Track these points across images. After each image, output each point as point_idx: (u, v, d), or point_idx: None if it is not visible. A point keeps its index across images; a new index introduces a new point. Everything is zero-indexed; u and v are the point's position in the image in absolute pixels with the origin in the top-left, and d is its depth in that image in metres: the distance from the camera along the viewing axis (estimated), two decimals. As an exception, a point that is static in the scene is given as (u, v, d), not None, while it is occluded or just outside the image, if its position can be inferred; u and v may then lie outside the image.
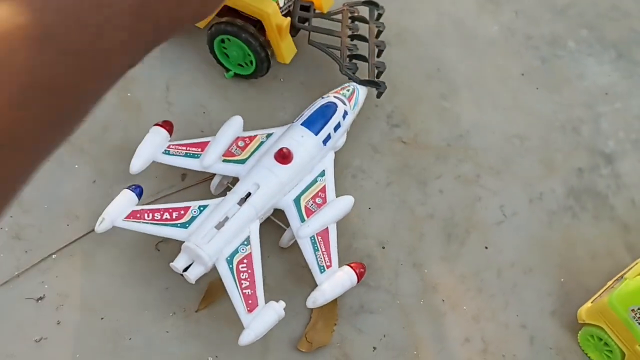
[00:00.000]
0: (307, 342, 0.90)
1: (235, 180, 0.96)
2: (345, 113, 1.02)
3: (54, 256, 0.92)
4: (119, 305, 0.90)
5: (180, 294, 0.92)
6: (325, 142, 0.98)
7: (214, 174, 0.99)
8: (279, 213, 0.95)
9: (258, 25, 1.04)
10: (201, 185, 1.02)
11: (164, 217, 0.90)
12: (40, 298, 0.88)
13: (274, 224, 0.96)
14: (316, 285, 0.89)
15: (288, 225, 0.94)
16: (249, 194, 0.91)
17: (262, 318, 0.83)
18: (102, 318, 0.88)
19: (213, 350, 0.88)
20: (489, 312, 0.97)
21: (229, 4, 1.04)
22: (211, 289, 0.93)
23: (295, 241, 0.92)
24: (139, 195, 0.91)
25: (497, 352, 0.94)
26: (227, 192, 0.92)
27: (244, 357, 0.87)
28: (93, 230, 0.94)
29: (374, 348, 0.92)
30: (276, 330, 0.86)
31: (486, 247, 1.03)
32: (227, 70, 1.15)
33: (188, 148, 0.98)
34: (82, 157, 1.03)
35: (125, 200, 0.90)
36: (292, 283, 0.93)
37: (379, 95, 1.10)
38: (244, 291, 0.85)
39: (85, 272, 0.91)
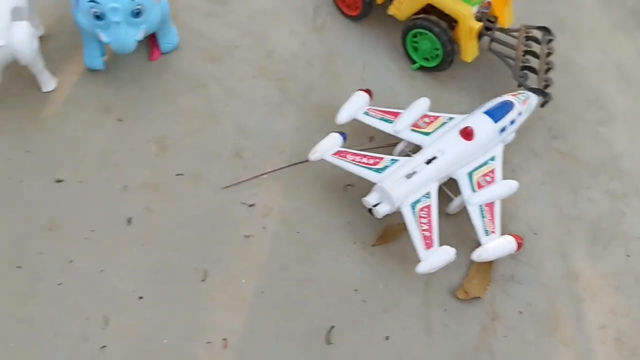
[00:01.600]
0: (464, 292, 1.04)
1: (416, 149, 1.13)
2: (520, 113, 1.17)
3: (265, 176, 1.11)
4: (311, 225, 1.07)
5: (360, 229, 1.08)
6: (501, 131, 1.13)
7: (399, 141, 1.16)
8: (448, 184, 1.10)
9: (448, 25, 1.23)
10: (385, 149, 1.19)
11: (363, 160, 1.07)
12: (252, 205, 1.07)
13: (443, 194, 1.10)
14: (478, 246, 1.03)
15: (456, 195, 1.09)
16: (434, 157, 1.07)
17: (437, 255, 0.98)
18: (297, 232, 1.05)
19: (383, 278, 1.03)
20: (626, 308, 1.07)
21: (432, 2, 1.23)
22: (387, 231, 1.09)
23: (460, 210, 1.07)
24: (344, 139, 1.10)
25: (629, 344, 1.04)
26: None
27: (407, 290, 1.02)
28: (296, 163, 1.13)
29: (520, 312, 1.04)
30: (437, 275, 1.00)
31: (628, 256, 1.14)
32: (414, 62, 1.33)
33: (384, 113, 1.17)
34: (292, 107, 1.23)
35: (334, 141, 1.09)
36: (455, 243, 1.07)
37: (543, 105, 1.24)
38: (424, 232, 1.01)
39: (287, 193, 1.10)
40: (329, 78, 1.30)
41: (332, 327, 0.97)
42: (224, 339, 0.93)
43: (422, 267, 0.98)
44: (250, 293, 0.98)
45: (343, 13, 1.41)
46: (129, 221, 1.02)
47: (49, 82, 1.10)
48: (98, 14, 1.02)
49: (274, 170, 1.13)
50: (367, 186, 1.06)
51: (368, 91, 1.19)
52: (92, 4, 1.00)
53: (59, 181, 1.05)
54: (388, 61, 1.35)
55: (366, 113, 1.17)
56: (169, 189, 1.07)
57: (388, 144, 1.21)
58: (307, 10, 1.40)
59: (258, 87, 1.25)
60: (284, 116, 1.21)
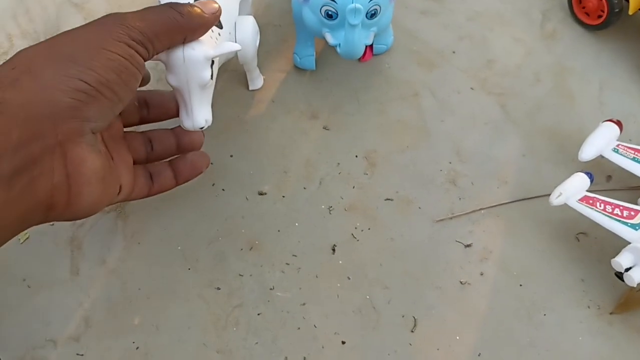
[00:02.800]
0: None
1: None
2: None
3: (482, 211, 0.95)
4: (536, 278, 0.90)
5: (595, 289, 0.90)
6: None
7: (643, 185, 0.95)
8: None
9: None
10: (626, 192, 0.99)
11: (615, 211, 0.88)
12: (468, 245, 0.92)
13: None
14: None
15: None
16: None
17: None
18: (520, 285, 0.89)
19: (624, 356, 0.85)
20: None
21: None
22: (631, 297, 0.90)
23: None
24: (591, 182, 0.91)
25: None
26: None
27: (655, 377, 0.83)
28: (521, 199, 0.96)
29: None
30: None
31: None
32: (663, 86, 1.10)
33: (636, 153, 0.96)
34: (516, 129, 1.05)
35: (581, 183, 0.90)
36: None
37: None
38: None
39: (508, 236, 0.93)
40: (559, 97, 1.10)
41: (561, 409, 0.81)
42: (435, 406, 0.80)
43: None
44: (465, 354, 0.84)
45: (579, 20, 1.19)
46: (334, 249, 0.91)
47: (257, 80, 1.00)
48: (331, 12, 0.89)
49: (496, 206, 0.96)
50: (604, 236, 0.89)
51: (619, 123, 0.99)
52: (327, 0, 0.87)
53: (261, 194, 0.95)
54: (629, 83, 1.13)
55: (615, 150, 0.97)
56: (377, 216, 0.95)
57: (631, 186, 1.01)
58: (535, 14, 1.21)
59: (477, 102, 1.09)
60: (507, 139, 1.04)
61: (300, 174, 0.96)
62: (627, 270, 0.83)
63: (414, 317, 0.85)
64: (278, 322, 0.83)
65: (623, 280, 0.82)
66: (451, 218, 0.94)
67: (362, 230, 0.91)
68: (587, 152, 0.93)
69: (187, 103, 0.75)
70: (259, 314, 0.84)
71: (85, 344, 0.80)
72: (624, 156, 0.93)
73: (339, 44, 0.90)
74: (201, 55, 0.71)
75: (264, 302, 0.84)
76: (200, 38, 0.74)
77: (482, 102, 1.07)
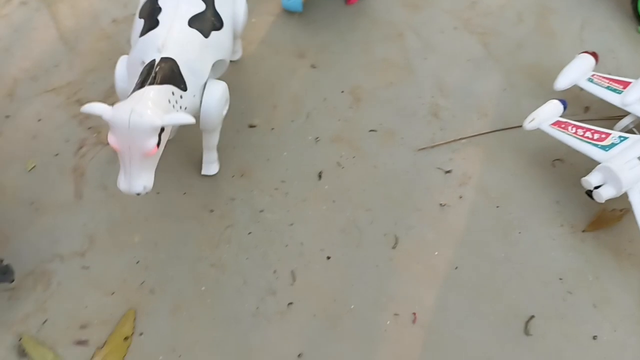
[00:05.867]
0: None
1: (641, 126, 0.96)
2: None
3: (463, 141, 1.00)
4: (513, 200, 0.95)
5: (569, 210, 0.95)
6: None
7: (621, 115, 0.99)
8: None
9: None
10: (602, 122, 1.03)
11: (586, 135, 0.93)
12: (448, 172, 0.97)
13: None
14: None
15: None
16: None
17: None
18: (497, 207, 0.94)
19: (593, 270, 0.90)
20: None
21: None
22: (602, 217, 0.95)
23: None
24: (564, 108, 0.96)
25: None
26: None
27: (621, 287, 0.88)
28: (503, 129, 1.01)
29: None
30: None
31: None
32: (642, 24, 1.14)
33: (610, 82, 1.00)
34: (497, 65, 1.10)
35: (554, 109, 0.95)
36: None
37: None
38: (655, 224, 0.85)
39: (486, 163, 0.98)
40: (541, 36, 1.15)
41: (532, 316, 0.87)
42: (414, 313, 0.86)
43: (652, 266, 0.84)
44: (443, 267, 0.90)
45: (561, -39, 1.23)
46: (320, 175, 0.97)
47: (212, 165, 0.96)
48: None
49: (476, 135, 1.02)
50: (579, 162, 0.93)
51: (594, 55, 1.03)
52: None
53: (252, 126, 1.01)
54: (609, 20, 1.17)
55: (590, 80, 1.02)
56: (362, 145, 1.00)
57: (607, 116, 1.05)
58: (518, -44, 1.24)
59: (460, 40, 1.14)
60: (488, 75, 1.09)
61: (288, 108, 1.01)
62: (597, 188, 0.88)
63: (395, 236, 0.90)
64: (267, 240, 0.90)
65: (592, 198, 0.87)
66: (432, 147, 0.99)
67: (347, 159, 0.97)
68: (562, 81, 0.98)
69: (126, 167, 0.72)
70: (249, 233, 0.90)
71: (90, 259, 0.87)
72: (599, 85, 0.98)
73: None
74: (148, 124, 0.69)
75: (254, 222, 0.90)
76: (154, 102, 0.71)
77: (464, 40, 1.12)
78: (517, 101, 1.03)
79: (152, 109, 0.70)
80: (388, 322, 0.86)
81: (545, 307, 0.88)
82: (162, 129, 0.72)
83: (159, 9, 0.83)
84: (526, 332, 0.86)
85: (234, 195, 0.96)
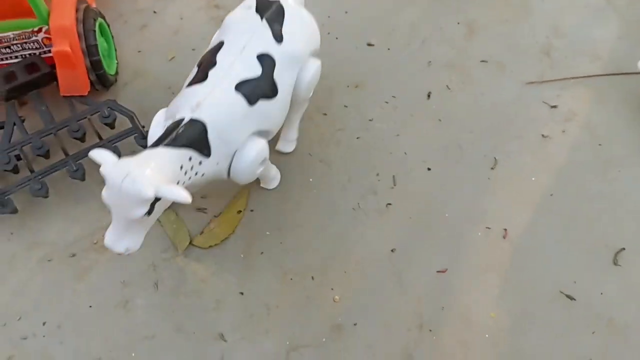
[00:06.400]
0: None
1: None
2: None
3: (572, 80, 1.02)
4: (617, 140, 0.97)
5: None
6: None
7: None
8: None
9: None
10: None
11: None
12: (554, 106, 1.00)
13: None
14: None
15: None
16: None
17: None
18: (599, 144, 0.97)
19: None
20: None
21: None
22: None
23: None
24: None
25: None
26: None
27: None
28: (616, 73, 1.02)
29: None
30: None
31: None
32: None
33: None
34: (616, 15, 1.11)
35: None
36: None
37: None
38: None
39: (596, 102, 1.00)
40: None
41: (623, 249, 0.89)
42: (505, 229, 0.90)
43: None
44: (538, 192, 0.94)
45: None
46: (429, 95, 1.02)
47: None
48: None
49: (587, 77, 1.04)
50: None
51: None
52: None
53: (370, 45, 1.08)
54: None
55: None
56: (472, 73, 1.05)
57: None
58: None
59: (581, -13, 1.15)
60: (606, 23, 1.10)
61: (405, 33, 1.07)
62: None
63: (494, 158, 0.95)
64: (373, 146, 0.96)
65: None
66: (541, 82, 1.02)
67: (456, 84, 1.02)
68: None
69: (114, 224, 0.69)
70: (357, 138, 0.97)
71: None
72: None
73: None
74: (139, 193, 0.65)
75: (363, 129, 0.98)
76: (159, 167, 0.66)
77: (587, -13, 1.13)
78: (632, 50, 1.04)
79: (150, 177, 0.66)
80: (479, 234, 0.91)
81: (637, 242, 0.90)
82: (157, 199, 0.68)
83: (214, 64, 0.79)
84: (615, 261, 0.89)
85: (347, 103, 1.03)
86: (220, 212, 0.93)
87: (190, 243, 0.91)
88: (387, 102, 1.03)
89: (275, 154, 0.97)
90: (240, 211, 0.93)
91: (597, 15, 1.10)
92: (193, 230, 0.92)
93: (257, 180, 0.94)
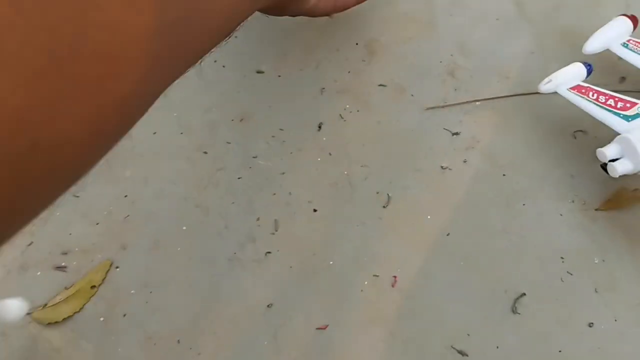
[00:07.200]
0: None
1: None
2: None
3: (477, 103, 0.93)
4: (522, 170, 0.88)
5: (584, 186, 0.86)
6: None
7: (660, 87, 0.89)
8: None
9: None
10: (638, 95, 0.93)
11: (608, 102, 0.84)
12: (456, 134, 0.91)
13: None
14: None
15: None
16: None
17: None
18: (503, 175, 0.88)
19: (601, 252, 0.82)
20: None
21: None
22: (620, 195, 0.86)
23: None
24: (589, 73, 0.87)
25: None
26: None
27: (631, 273, 0.80)
28: (520, 94, 0.93)
29: None
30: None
31: None
32: None
33: (650, 49, 0.90)
34: (529, 27, 1.01)
35: (575, 71, 0.87)
36: None
37: None
38: (672, 208, 0.76)
39: (499, 128, 0.91)
40: (589, -5, 1.05)
41: (523, 294, 0.81)
42: (394, 276, 0.82)
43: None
44: (434, 232, 0.85)
45: None
46: (320, 127, 0.94)
47: None
48: None
49: (492, 99, 0.95)
50: (604, 136, 0.85)
51: (633, 18, 0.93)
52: None
53: (259, 72, 0.99)
54: (666, -19, 1.05)
55: (625, 45, 0.92)
56: (368, 99, 0.96)
57: (645, 88, 0.95)
58: None
59: (492, -3, 1.06)
60: (517, 37, 1.01)
61: (298, 56, 0.98)
62: (612, 161, 0.80)
63: (388, 195, 0.86)
64: (256, 187, 0.88)
65: (606, 172, 0.80)
66: (443, 107, 0.93)
67: (350, 112, 0.93)
68: (592, 44, 0.89)
69: None
70: (239, 178, 0.88)
71: (81, 188, 0.89)
72: (635, 52, 0.89)
73: None
74: None
75: (245, 168, 0.89)
76: None
77: (497, -2, 1.04)
78: (545, 66, 0.95)
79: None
80: (365, 283, 0.83)
81: (539, 286, 0.82)
82: None
83: None
84: (514, 309, 0.80)
85: (230, 138, 0.94)
86: (75, 281, 0.85)
87: (28, 314, 0.83)
88: (273, 136, 0.94)
89: (145, 203, 0.89)
90: (95, 287, 0.85)
91: (508, 28, 1.01)
92: (42, 295, 0.84)
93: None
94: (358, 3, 0.81)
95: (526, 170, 0.89)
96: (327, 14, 0.67)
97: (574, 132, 0.92)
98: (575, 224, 0.85)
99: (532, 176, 0.89)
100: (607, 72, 0.96)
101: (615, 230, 0.84)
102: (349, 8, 0.75)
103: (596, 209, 0.87)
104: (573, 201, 0.87)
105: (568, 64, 0.93)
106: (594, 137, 0.90)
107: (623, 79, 0.97)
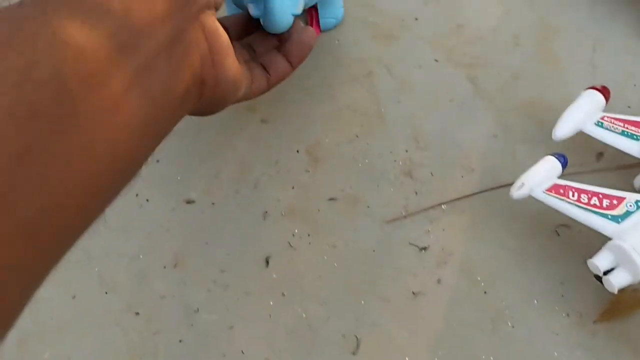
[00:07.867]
0: None
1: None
2: None
3: (443, 207, 0.81)
4: (504, 283, 0.76)
5: (577, 294, 0.75)
6: None
7: (642, 164, 0.78)
8: None
9: None
10: (619, 173, 0.82)
11: (592, 201, 0.73)
12: (424, 248, 0.79)
13: None
14: None
15: None
16: None
17: None
18: (484, 292, 0.75)
19: (609, 375, 0.70)
20: None
21: None
22: (619, 302, 0.75)
23: None
24: (564, 166, 0.75)
25: None
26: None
27: (647, 398, 0.68)
28: (488, 189, 0.81)
29: None
30: None
31: None
32: (672, 38, 0.91)
33: (626, 125, 0.79)
34: (487, 105, 0.90)
35: (549, 169, 0.75)
36: None
37: None
38: (684, 326, 0.64)
39: (473, 234, 0.79)
40: (542, 62, 0.94)
41: None
42: None
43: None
44: (414, 378, 0.72)
45: (567, -33, 1.01)
46: (267, 262, 0.80)
47: None
48: (248, -22, 0.73)
49: (458, 199, 0.83)
50: (590, 229, 0.73)
51: (604, 90, 0.82)
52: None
53: (189, 202, 0.85)
54: (630, 41, 0.95)
55: (599, 124, 0.81)
56: (319, 219, 0.83)
57: (627, 164, 0.84)
58: (515, -36, 1.03)
59: (441, 76, 0.94)
60: (476, 118, 0.89)
61: (232, 176, 0.85)
62: (607, 273, 0.68)
63: (356, 337, 0.73)
64: (201, 349, 0.74)
65: (602, 284, 0.68)
66: (405, 217, 0.81)
67: (300, 238, 0.80)
68: (562, 129, 0.78)
69: None
70: (180, 341, 0.74)
71: (-10, 383, 0.74)
72: (611, 130, 0.77)
73: (262, 15, 0.73)
74: None
75: (186, 326, 0.75)
76: None
77: (447, 76, 0.92)
78: (512, 150, 0.83)
79: None
80: None
81: None
82: None
83: None
84: None
85: (164, 291, 0.80)
86: None
87: None
88: (214, 281, 0.81)
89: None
90: None
91: (464, 109, 0.89)
92: None
93: None
94: (293, 69, 0.69)
95: (508, 283, 0.77)
96: (263, 93, 0.65)
97: (556, 227, 0.80)
98: (573, 343, 0.74)
99: (517, 289, 0.77)
100: (581, 150, 0.85)
101: (619, 345, 0.73)
102: (283, 80, 0.66)
103: (594, 321, 0.75)
104: (568, 315, 0.75)
105: (536, 145, 0.83)
106: (579, 230, 0.79)
107: (600, 155, 0.86)
